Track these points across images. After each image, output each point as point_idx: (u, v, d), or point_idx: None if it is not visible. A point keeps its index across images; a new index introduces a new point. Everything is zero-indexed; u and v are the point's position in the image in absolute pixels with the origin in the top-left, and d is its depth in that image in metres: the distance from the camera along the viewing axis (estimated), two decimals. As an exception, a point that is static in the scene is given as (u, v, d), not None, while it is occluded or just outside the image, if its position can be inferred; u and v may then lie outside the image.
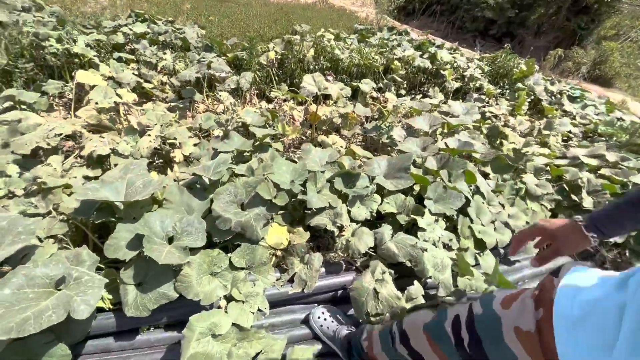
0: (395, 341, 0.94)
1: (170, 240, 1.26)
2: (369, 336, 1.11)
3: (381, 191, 1.77)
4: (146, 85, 2.61)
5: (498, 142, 2.55)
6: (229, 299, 1.29)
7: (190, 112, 2.76)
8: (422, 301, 1.33)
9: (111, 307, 1.28)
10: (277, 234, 1.51)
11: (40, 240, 1.18)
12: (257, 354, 1.22)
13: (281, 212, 1.57)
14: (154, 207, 1.36)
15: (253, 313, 1.27)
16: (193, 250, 1.24)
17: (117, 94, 2.25)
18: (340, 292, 1.54)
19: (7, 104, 2.14)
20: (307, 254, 1.47)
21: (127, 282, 1.20)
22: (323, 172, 1.72)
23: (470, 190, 1.85)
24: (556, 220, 0.82)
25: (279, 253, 1.56)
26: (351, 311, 1.43)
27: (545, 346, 0.56)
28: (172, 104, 2.69)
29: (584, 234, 0.77)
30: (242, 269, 1.37)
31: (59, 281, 1.03)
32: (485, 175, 2.18)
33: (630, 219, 0.74)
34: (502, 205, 1.93)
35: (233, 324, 1.20)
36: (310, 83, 2.15)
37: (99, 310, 1.25)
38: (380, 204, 1.70)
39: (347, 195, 1.66)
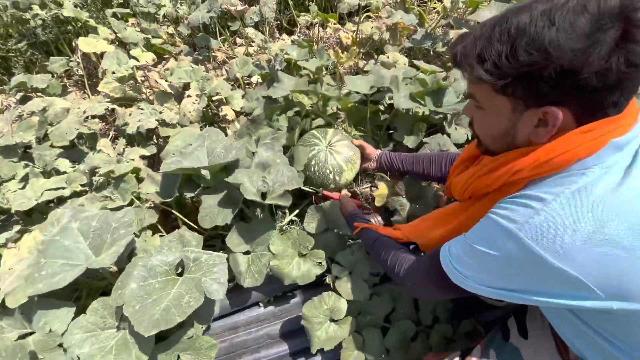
0: None
1: (264, 195, 1.11)
2: None
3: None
4: (155, 41, 2.25)
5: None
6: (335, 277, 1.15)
7: (210, 63, 2.43)
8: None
9: (224, 286, 1.19)
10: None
11: (136, 235, 1.04)
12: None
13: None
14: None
15: (365, 281, 1.14)
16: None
17: (131, 57, 1.94)
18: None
19: (19, 96, 1.89)
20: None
21: (235, 250, 1.08)
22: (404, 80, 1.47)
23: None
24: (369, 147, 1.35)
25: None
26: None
27: None
28: (189, 57, 2.35)
29: (373, 155, 1.32)
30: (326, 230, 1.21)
31: (177, 266, 0.91)
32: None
33: (407, 171, 1.26)
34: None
35: (349, 302, 1.09)
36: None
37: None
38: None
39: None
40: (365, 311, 1.13)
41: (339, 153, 1.26)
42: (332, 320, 1.08)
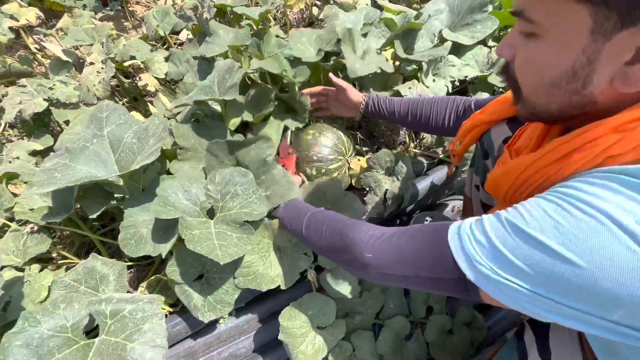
0: None
1: (211, 213, 0.82)
2: None
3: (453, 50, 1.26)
4: (44, -7, 1.71)
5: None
6: (318, 268, 0.93)
7: (129, 20, 1.93)
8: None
9: (170, 310, 0.94)
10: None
11: (19, 269, 0.73)
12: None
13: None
14: (165, 164, 0.88)
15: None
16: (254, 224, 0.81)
17: (9, 17, 1.44)
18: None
19: None
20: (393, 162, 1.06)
21: (181, 282, 0.81)
22: (364, 34, 1.17)
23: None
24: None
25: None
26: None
27: None
28: (99, 14, 1.85)
29: (358, 102, 0.99)
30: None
31: (88, 325, 0.64)
32: None
33: (402, 120, 0.94)
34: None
35: (334, 299, 0.89)
36: None
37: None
38: (460, 68, 1.21)
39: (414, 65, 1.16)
40: (354, 311, 0.95)
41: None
42: (319, 328, 0.89)
